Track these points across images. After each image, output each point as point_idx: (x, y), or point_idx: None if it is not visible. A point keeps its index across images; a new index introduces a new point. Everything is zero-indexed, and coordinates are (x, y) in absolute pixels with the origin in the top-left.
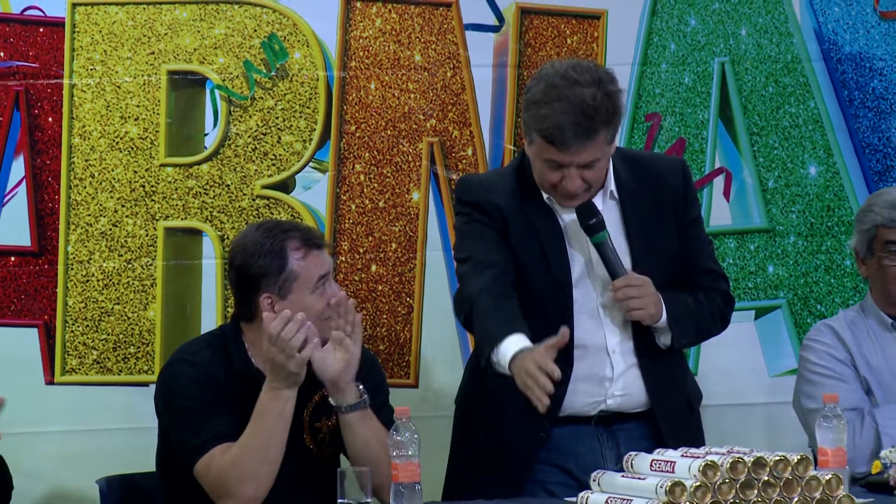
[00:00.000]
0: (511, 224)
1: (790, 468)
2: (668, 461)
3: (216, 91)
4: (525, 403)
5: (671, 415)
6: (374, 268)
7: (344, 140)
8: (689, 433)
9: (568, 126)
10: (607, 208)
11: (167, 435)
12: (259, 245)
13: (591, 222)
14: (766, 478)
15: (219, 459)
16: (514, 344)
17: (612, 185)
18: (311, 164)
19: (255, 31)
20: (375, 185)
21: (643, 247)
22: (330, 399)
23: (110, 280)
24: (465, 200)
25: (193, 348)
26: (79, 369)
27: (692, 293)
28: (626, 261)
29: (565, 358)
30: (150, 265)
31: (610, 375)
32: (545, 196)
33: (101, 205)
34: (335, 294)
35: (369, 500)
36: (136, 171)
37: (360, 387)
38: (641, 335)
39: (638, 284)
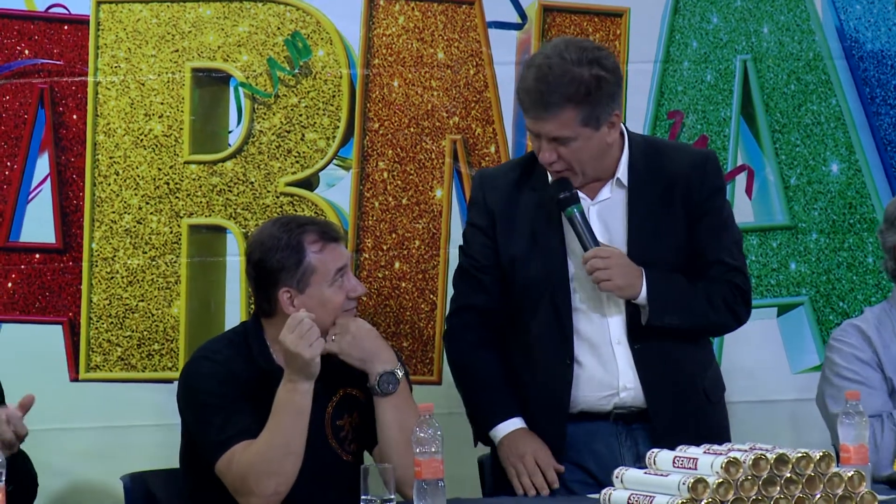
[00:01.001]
0: (500, 223)
1: (813, 465)
2: (690, 458)
3: (240, 88)
4: (544, 399)
5: (671, 406)
6: (397, 265)
7: (367, 137)
8: (707, 426)
9: (530, 90)
10: (615, 197)
11: (190, 432)
12: (276, 239)
13: (560, 196)
14: (788, 474)
15: (240, 456)
16: (511, 425)
17: (620, 173)
18: (334, 161)
19: (279, 28)
20: (399, 182)
21: (644, 234)
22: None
23: (135, 277)
24: (471, 198)
25: (215, 346)
26: (103, 366)
27: (692, 279)
28: (623, 247)
29: (565, 347)
30: (175, 262)
31: (616, 367)
32: (550, 179)
33: (125, 202)
34: (354, 288)
35: (392, 496)
36: (160, 169)
37: (383, 371)
38: (632, 318)
39: (605, 256)
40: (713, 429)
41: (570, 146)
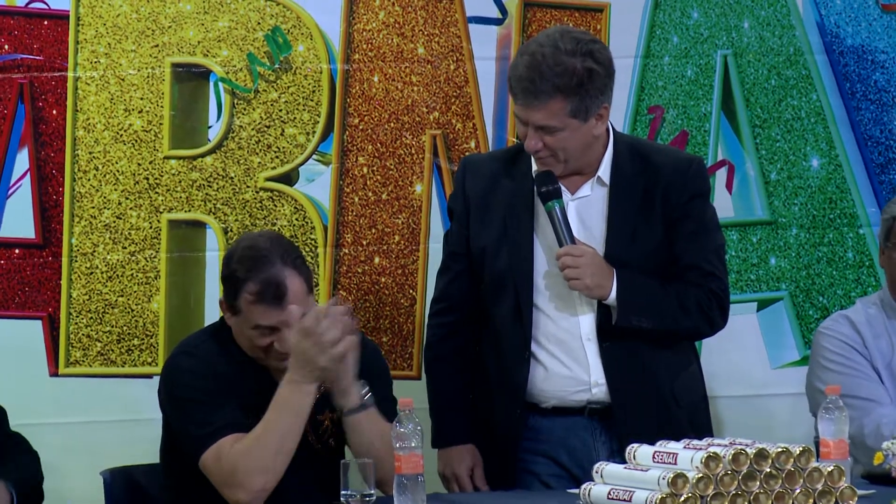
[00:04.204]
0: (473, 211)
1: (792, 460)
2: (670, 453)
3: (220, 84)
4: (503, 390)
5: (637, 406)
6: (377, 260)
7: (347, 132)
8: (673, 430)
9: (521, 78)
10: (595, 194)
11: (171, 429)
12: (232, 261)
13: (542, 189)
14: (768, 469)
15: (229, 450)
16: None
17: (602, 171)
18: (314, 156)
19: (259, 23)
20: (378, 177)
21: (622, 236)
22: (333, 401)
23: (114, 272)
24: (454, 182)
25: (195, 341)
26: (83, 361)
27: (666, 282)
28: (601, 247)
29: (523, 342)
30: (154, 257)
31: (587, 364)
32: (534, 170)
33: (105, 197)
34: (283, 344)
35: (373, 491)
36: (139, 164)
37: (364, 389)
38: (602, 317)
39: (577, 255)
40: (680, 433)
41: (557, 136)
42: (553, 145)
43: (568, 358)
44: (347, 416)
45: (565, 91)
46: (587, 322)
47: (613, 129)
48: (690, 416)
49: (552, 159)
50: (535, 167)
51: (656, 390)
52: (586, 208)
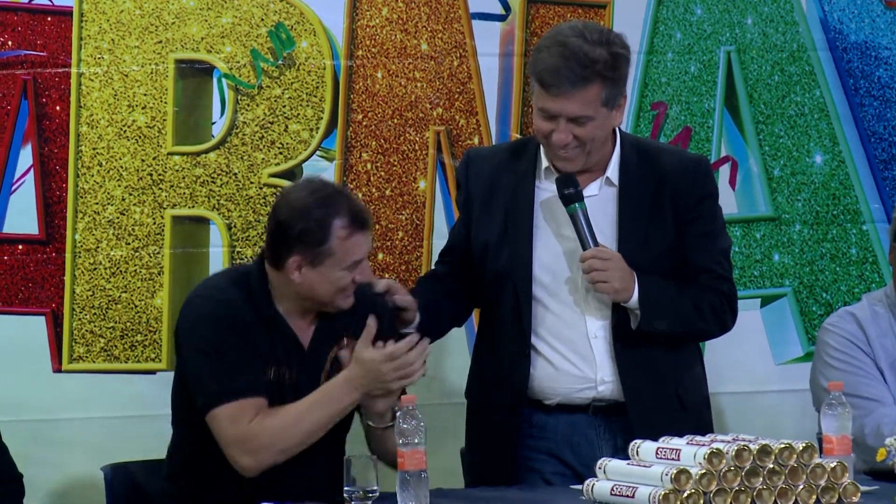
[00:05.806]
0: (476, 207)
1: (795, 456)
2: (673, 449)
3: (223, 80)
4: (503, 389)
5: (649, 407)
6: (380, 256)
7: (351, 129)
8: (674, 431)
9: (561, 68)
10: (604, 194)
11: (186, 372)
12: (307, 210)
13: (565, 192)
14: (771, 465)
15: (254, 420)
16: None
17: (610, 171)
18: (318, 152)
19: (263, 19)
20: (382, 173)
21: (632, 237)
22: (365, 419)
23: (118, 268)
24: (456, 174)
25: (219, 284)
26: (86, 357)
27: (681, 285)
28: (611, 247)
29: (523, 339)
30: (158, 253)
31: (594, 361)
32: (544, 165)
33: (108, 193)
34: (363, 274)
35: (377, 487)
36: (143, 160)
37: (396, 409)
38: (619, 319)
39: (605, 258)
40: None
41: (587, 126)
42: (583, 136)
43: (574, 355)
44: (377, 432)
45: (603, 75)
46: (593, 320)
47: (619, 128)
48: (696, 417)
49: (578, 151)
50: (543, 163)
51: (665, 391)
52: (594, 208)
